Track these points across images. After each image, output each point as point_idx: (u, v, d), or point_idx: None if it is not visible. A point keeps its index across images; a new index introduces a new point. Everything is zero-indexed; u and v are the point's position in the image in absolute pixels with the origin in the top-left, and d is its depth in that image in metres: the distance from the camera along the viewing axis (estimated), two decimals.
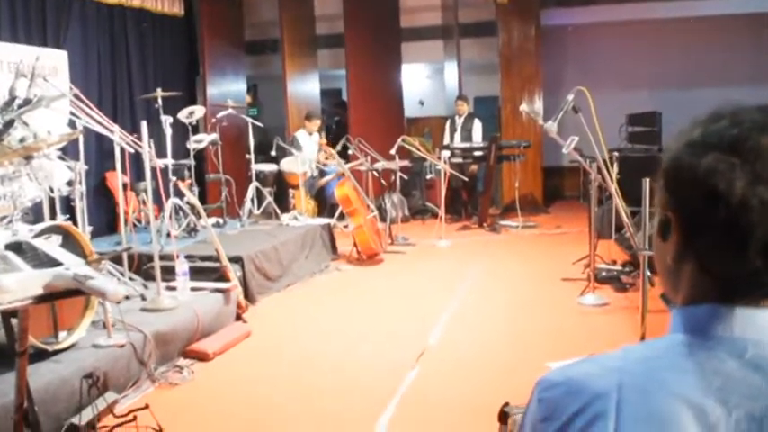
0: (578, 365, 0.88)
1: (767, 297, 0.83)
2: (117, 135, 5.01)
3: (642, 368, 0.83)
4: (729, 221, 0.80)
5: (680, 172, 0.86)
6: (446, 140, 10.34)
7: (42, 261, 2.75)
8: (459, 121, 10.29)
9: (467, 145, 9.93)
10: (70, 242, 4.13)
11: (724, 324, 0.82)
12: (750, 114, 0.86)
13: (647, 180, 3.60)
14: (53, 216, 4.98)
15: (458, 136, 10.22)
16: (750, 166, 0.80)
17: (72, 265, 2.51)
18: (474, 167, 10.01)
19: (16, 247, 2.98)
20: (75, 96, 4.93)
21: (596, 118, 4.90)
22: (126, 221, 5.99)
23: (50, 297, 2.47)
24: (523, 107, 5.99)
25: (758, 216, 0.79)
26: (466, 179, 9.65)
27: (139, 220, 7.61)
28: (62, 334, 3.89)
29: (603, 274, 6.21)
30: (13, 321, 3.02)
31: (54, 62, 7.04)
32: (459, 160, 9.88)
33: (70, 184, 5.15)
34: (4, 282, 2.35)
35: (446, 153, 9.79)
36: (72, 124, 5.20)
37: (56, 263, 2.63)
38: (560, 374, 0.88)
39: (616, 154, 8.17)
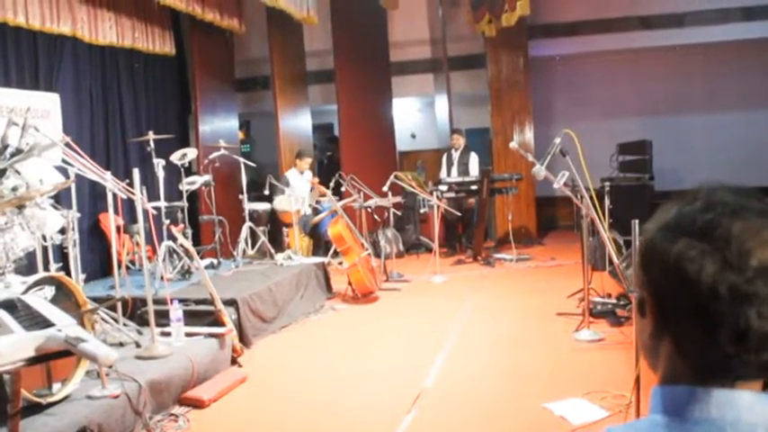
0: None
1: (740, 379, 0.84)
2: (109, 182, 5.02)
3: None
4: (700, 308, 0.82)
5: (653, 256, 0.88)
6: (443, 174, 10.34)
7: (35, 320, 2.74)
8: (456, 155, 10.30)
9: (461, 179, 9.96)
10: (63, 292, 4.13)
11: (701, 406, 0.84)
12: (723, 196, 0.87)
13: (636, 221, 3.60)
14: (46, 264, 4.97)
15: (455, 170, 10.23)
16: (720, 254, 0.81)
17: (64, 326, 2.51)
18: (471, 201, 10.00)
19: (9, 306, 2.98)
20: (67, 144, 4.94)
21: (583, 157, 4.93)
22: (119, 265, 5.99)
23: (42, 359, 2.46)
24: (513, 144, 6.01)
25: (728, 305, 0.80)
26: (459, 214, 9.66)
27: (133, 262, 7.60)
28: (56, 386, 3.86)
29: (598, 308, 6.21)
30: (6, 378, 3.01)
31: (46, 105, 7.08)
32: (454, 194, 9.89)
33: (63, 231, 5.15)
34: None
35: (442, 187, 9.80)
36: (64, 172, 5.21)
37: (48, 323, 2.63)
38: None
39: (608, 183, 8.23)
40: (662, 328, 0.89)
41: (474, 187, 9.85)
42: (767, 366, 0.83)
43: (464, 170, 10.18)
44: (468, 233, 10.30)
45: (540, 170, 5.23)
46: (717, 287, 0.80)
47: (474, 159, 10.22)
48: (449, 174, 10.26)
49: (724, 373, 0.84)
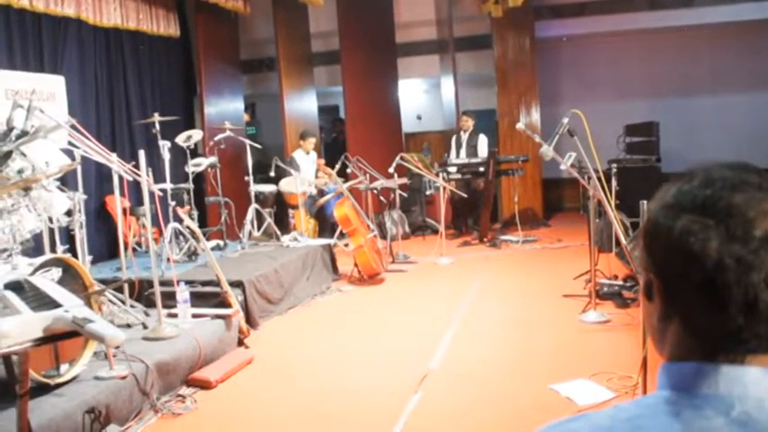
0: (570, 424, 0.89)
1: (751, 353, 0.84)
2: (115, 164, 5.02)
3: (630, 427, 0.84)
4: (707, 282, 0.82)
5: (656, 235, 0.88)
6: (452, 156, 10.31)
7: (43, 301, 2.75)
8: (465, 137, 10.26)
9: (467, 161, 9.92)
10: (70, 274, 4.14)
11: (709, 381, 0.83)
12: (722, 172, 0.87)
13: (644, 202, 3.58)
14: (53, 246, 4.98)
15: (463, 152, 10.20)
16: (723, 226, 0.81)
17: (71, 307, 2.51)
18: (480, 182, 9.96)
19: (17, 287, 2.99)
20: (73, 126, 4.93)
21: (591, 138, 4.91)
22: (126, 247, 6.00)
23: (50, 339, 2.47)
24: (520, 125, 5.99)
25: (734, 275, 0.80)
26: (466, 195, 9.64)
27: (140, 244, 7.61)
28: (64, 367, 3.88)
29: (605, 289, 6.20)
30: (14, 358, 3.03)
31: (51, 88, 7.06)
32: (461, 176, 9.85)
33: (69, 213, 5.16)
34: (4, 327, 2.35)
35: (452, 169, 9.77)
36: (70, 154, 5.21)
37: (56, 304, 2.64)
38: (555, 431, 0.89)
39: (615, 165, 8.19)
40: (670, 309, 0.89)
41: (481, 169, 9.81)
42: None
43: (473, 152, 10.13)
44: (475, 215, 10.28)
45: (547, 150, 5.20)
46: (723, 259, 0.81)
47: (483, 141, 10.18)
48: (457, 155, 10.22)
49: (735, 346, 0.84)
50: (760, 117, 11.53)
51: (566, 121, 5.24)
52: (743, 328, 0.82)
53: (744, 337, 0.82)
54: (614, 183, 7.50)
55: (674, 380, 0.87)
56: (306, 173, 9.24)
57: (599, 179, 5.05)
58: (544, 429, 0.90)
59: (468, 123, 10.26)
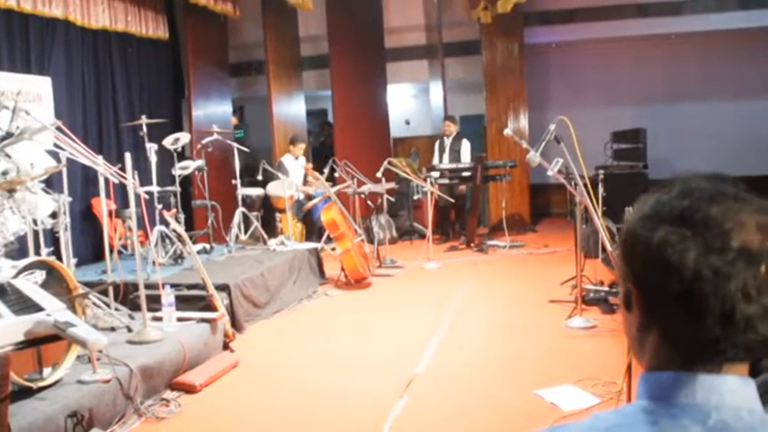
0: None
1: (728, 362, 0.86)
2: (101, 166, 4.99)
3: None
4: (685, 293, 0.83)
5: (635, 245, 0.89)
6: (435, 161, 10.35)
7: (25, 305, 2.73)
8: (448, 142, 10.30)
9: (453, 165, 9.95)
10: (54, 277, 4.11)
11: (687, 391, 0.85)
12: (699, 183, 0.89)
13: (630, 209, 3.59)
14: (37, 249, 4.95)
15: (446, 156, 10.23)
16: (701, 237, 0.83)
17: (54, 311, 2.49)
18: (462, 187, 10.03)
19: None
20: (59, 128, 4.90)
21: (578, 145, 4.92)
22: (111, 250, 5.97)
23: (31, 343, 2.45)
24: (507, 131, 6.01)
25: (712, 286, 0.81)
26: (452, 200, 9.67)
27: (125, 247, 7.58)
28: (46, 370, 3.85)
29: (591, 295, 6.22)
30: None
31: (38, 89, 7.03)
32: (447, 181, 9.90)
33: (54, 216, 5.13)
34: None
35: (434, 174, 9.80)
36: (56, 156, 5.18)
37: (38, 307, 2.62)
38: None
39: (602, 171, 8.21)
40: (649, 319, 0.90)
41: (467, 174, 9.84)
42: (753, 347, 0.84)
43: (455, 157, 10.18)
44: (460, 220, 10.30)
45: (534, 157, 5.21)
46: (700, 271, 0.82)
47: (466, 146, 10.22)
48: (440, 160, 10.25)
49: (712, 356, 0.85)
50: (747, 124, 11.63)
51: (552, 127, 5.26)
52: (720, 339, 0.83)
53: (721, 347, 0.84)
54: (601, 189, 7.52)
55: (653, 389, 0.88)
56: (294, 177, 9.22)
57: (585, 185, 5.07)
58: None
59: (451, 128, 10.30)
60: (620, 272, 0.94)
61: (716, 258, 0.81)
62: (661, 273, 0.84)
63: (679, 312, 0.84)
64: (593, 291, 6.31)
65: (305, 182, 9.60)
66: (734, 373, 0.86)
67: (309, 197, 9.57)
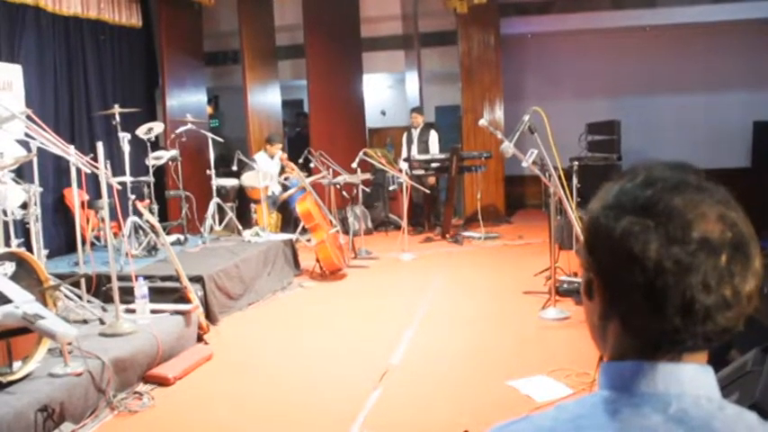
0: (515, 425, 0.91)
1: (688, 351, 0.87)
2: (73, 156, 4.93)
3: (572, 427, 0.86)
4: (646, 283, 0.83)
5: (598, 235, 0.90)
6: (403, 153, 10.40)
7: None
8: (416, 133, 10.34)
9: (427, 157, 9.96)
10: (24, 269, 4.05)
11: (647, 380, 0.86)
12: (662, 172, 0.89)
13: None
14: (7, 240, 4.87)
15: (415, 148, 10.26)
16: (663, 228, 0.83)
17: (23, 303, 2.46)
18: (432, 179, 10.05)
19: None
20: (29, 117, 4.83)
21: (551, 136, 4.94)
22: (84, 241, 5.90)
23: (0, 336, 2.42)
24: (482, 122, 6.01)
25: (673, 277, 0.82)
26: (428, 191, 9.68)
27: (98, 238, 7.50)
28: (17, 364, 3.79)
29: (565, 286, 6.27)
30: None
31: (8, 77, 6.90)
32: (420, 172, 9.91)
33: (25, 206, 5.05)
34: None
35: (405, 165, 9.81)
36: (26, 145, 5.11)
37: (7, 299, 2.58)
38: None
39: (576, 163, 8.25)
40: (610, 308, 0.91)
41: (441, 165, 9.85)
42: (712, 336, 0.85)
43: (424, 148, 10.22)
44: (433, 211, 10.33)
45: (508, 147, 5.23)
46: (662, 261, 0.82)
47: (434, 137, 10.28)
48: (409, 152, 10.28)
49: (672, 346, 0.86)
50: (718, 117, 11.77)
51: (526, 118, 5.27)
52: (680, 329, 0.84)
53: (681, 337, 0.85)
54: (575, 180, 7.56)
55: (614, 379, 0.89)
56: (267, 170, 9.14)
57: (560, 177, 5.09)
58: (492, 430, 0.92)
59: (419, 120, 10.35)
60: (583, 260, 0.94)
61: (677, 250, 0.82)
62: (623, 263, 0.85)
63: (640, 303, 0.85)
64: (567, 282, 6.36)
65: (281, 174, 9.54)
66: (693, 361, 0.87)
67: (285, 188, 9.53)
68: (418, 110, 10.50)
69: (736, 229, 0.84)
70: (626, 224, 0.85)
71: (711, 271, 0.82)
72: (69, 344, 2.46)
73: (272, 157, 9.50)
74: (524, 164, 5.42)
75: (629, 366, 0.88)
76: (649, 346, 0.87)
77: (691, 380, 0.86)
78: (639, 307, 0.85)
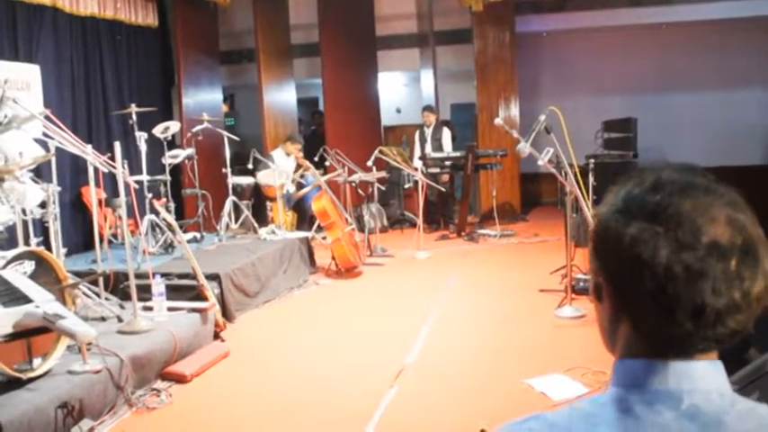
0: (529, 423, 0.92)
1: (699, 352, 0.88)
2: (90, 156, 4.97)
3: (585, 425, 0.87)
4: (657, 289, 0.84)
5: (607, 240, 0.90)
6: (417, 151, 10.41)
7: (14, 296, 2.72)
8: (429, 131, 10.34)
9: (443, 155, 9.95)
10: (44, 267, 4.09)
11: (659, 377, 0.87)
12: (670, 175, 0.89)
13: None
14: (27, 239, 4.92)
15: (428, 146, 10.26)
16: (673, 234, 0.83)
17: (43, 302, 2.49)
18: (446, 177, 10.04)
19: None
20: (47, 117, 4.87)
21: (568, 134, 4.93)
22: (101, 239, 5.95)
23: (20, 335, 2.45)
24: (498, 121, 6.00)
25: (684, 283, 0.83)
26: (443, 189, 9.67)
27: (115, 236, 7.55)
28: (36, 361, 3.82)
29: (581, 284, 6.23)
30: None
31: (26, 77, 6.97)
32: (435, 170, 9.90)
33: (43, 205, 5.10)
34: None
35: (420, 163, 9.81)
36: (44, 145, 5.15)
37: (27, 299, 2.61)
38: (512, 431, 0.92)
39: (592, 160, 8.21)
40: (620, 312, 0.91)
41: (457, 162, 9.83)
42: (722, 339, 0.86)
43: (438, 146, 10.22)
44: (446, 209, 10.31)
45: (524, 147, 5.22)
46: (672, 267, 0.83)
47: (447, 134, 10.28)
48: (422, 150, 10.28)
49: (683, 349, 0.87)
50: (735, 115, 11.67)
51: (542, 117, 5.26)
52: (691, 333, 0.85)
53: (692, 340, 0.86)
54: (591, 178, 7.52)
55: (627, 377, 0.90)
56: (283, 168, 9.16)
57: (576, 175, 5.08)
58: (504, 428, 0.92)
59: (431, 118, 10.35)
60: (591, 265, 0.95)
61: (688, 255, 0.82)
62: (633, 269, 0.85)
63: (651, 307, 0.85)
64: (583, 280, 6.32)
65: (296, 171, 9.55)
66: (705, 359, 0.88)
67: (300, 186, 9.55)
68: (430, 108, 10.50)
69: (745, 232, 0.84)
70: (635, 230, 0.85)
71: (721, 275, 0.82)
72: (89, 343, 2.49)
73: (288, 154, 9.51)
74: (540, 162, 5.41)
75: (641, 364, 0.89)
76: (660, 349, 0.88)
77: (702, 376, 0.87)
78: (650, 311, 0.86)
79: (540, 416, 0.92)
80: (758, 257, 0.84)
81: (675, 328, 0.85)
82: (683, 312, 0.83)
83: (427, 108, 10.49)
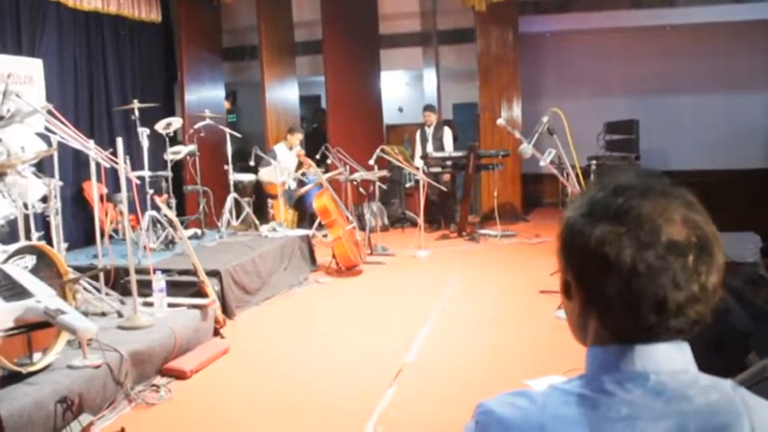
0: (513, 397, 1.00)
1: (663, 341, 0.94)
2: (93, 151, 4.97)
3: (560, 402, 0.95)
4: (622, 285, 0.91)
5: (573, 242, 0.96)
6: (417, 151, 10.41)
7: (15, 291, 2.72)
8: (430, 131, 10.33)
9: (444, 154, 9.95)
10: (45, 262, 4.10)
11: (627, 360, 0.94)
12: (630, 180, 0.97)
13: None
14: (28, 233, 4.92)
15: (430, 146, 10.25)
16: (635, 234, 0.91)
17: (44, 297, 2.49)
18: (447, 177, 10.03)
19: None
20: (50, 112, 4.87)
21: (571, 136, 4.93)
22: (102, 234, 5.95)
23: (21, 330, 2.45)
24: (500, 121, 6.01)
25: (647, 279, 0.90)
26: (445, 189, 9.66)
27: (117, 231, 7.56)
28: (37, 355, 3.83)
29: None
30: None
31: (29, 71, 6.99)
32: (438, 169, 9.89)
33: (45, 200, 5.10)
34: None
35: (421, 163, 9.81)
36: (47, 139, 5.15)
37: (28, 293, 2.61)
38: (498, 403, 1.01)
39: (594, 162, 8.23)
40: (588, 307, 0.98)
41: (458, 162, 9.83)
42: (684, 329, 0.94)
43: (439, 145, 10.22)
44: (447, 208, 10.31)
45: (526, 148, 5.23)
46: (636, 266, 0.90)
47: (448, 134, 10.28)
48: (423, 149, 10.27)
49: (647, 339, 0.94)
50: (738, 117, 11.65)
51: (545, 119, 5.26)
52: (654, 324, 0.92)
53: (656, 331, 0.93)
54: (593, 179, 7.54)
55: (598, 362, 0.97)
56: (285, 165, 9.16)
57: (577, 176, 5.08)
58: (494, 399, 1.01)
59: (431, 118, 10.35)
60: (560, 264, 1.01)
61: (649, 253, 0.90)
62: (600, 268, 0.92)
63: (617, 302, 0.92)
64: None
65: (298, 169, 9.54)
66: (668, 342, 0.95)
67: (302, 183, 9.55)
68: (431, 108, 10.49)
69: (700, 230, 0.92)
70: (600, 232, 0.92)
71: (680, 271, 0.90)
72: (89, 340, 2.49)
73: (290, 148, 9.51)
74: (542, 163, 5.41)
75: (610, 349, 0.96)
76: (626, 340, 0.95)
77: (665, 356, 0.94)
78: (616, 306, 0.93)
79: (526, 393, 1.00)
80: (712, 253, 0.92)
81: (640, 321, 0.92)
82: (646, 306, 0.91)
83: (428, 108, 10.48)
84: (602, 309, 0.95)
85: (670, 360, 0.93)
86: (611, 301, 0.92)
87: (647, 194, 0.93)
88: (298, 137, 9.52)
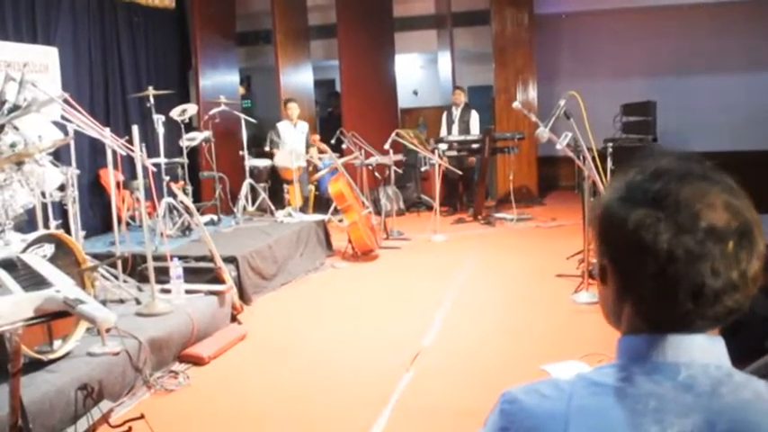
0: (539, 386, 0.98)
1: (698, 331, 0.93)
2: (108, 138, 4.99)
3: (588, 393, 0.94)
4: (659, 272, 0.89)
5: (611, 226, 0.95)
6: (443, 132, 10.29)
7: (35, 280, 2.74)
8: (457, 113, 10.23)
9: (462, 137, 9.90)
10: (63, 250, 4.13)
11: (659, 351, 0.93)
12: (670, 164, 0.95)
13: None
14: (46, 222, 4.96)
15: (455, 128, 10.17)
16: (673, 219, 0.89)
17: (63, 287, 2.50)
18: (472, 159, 9.98)
19: (9, 265, 2.98)
20: (65, 100, 4.89)
21: (587, 119, 4.89)
22: (119, 221, 5.99)
23: (41, 319, 2.46)
24: (516, 104, 5.96)
25: (684, 265, 0.88)
26: (460, 173, 9.62)
27: (133, 218, 7.60)
28: (57, 342, 3.88)
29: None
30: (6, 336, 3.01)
31: (44, 59, 7.00)
32: (455, 153, 9.85)
33: (62, 188, 5.14)
34: None
35: (442, 146, 9.74)
36: (63, 128, 5.18)
37: (47, 283, 2.63)
38: (523, 391, 0.99)
39: (611, 144, 8.14)
40: (624, 293, 0.96)
41: (475, 146, 9.79)
42: (720, 317, 0.91)
43: (465, 128, 10.11)
44: (468, 192, 10.27)
45: (543, 132, 5.19)
46: (673, 251, 0.88)
47: (475, 117, 10.16)
48: (449, 132, 10.19)
49: (683, 327, 0.92)
50: (757, 97, 11.49)
51: (562, 103, 5.22)
52: (690, 312, 0.90)
53: (691, 319, 0.91)
54: (609, 162, 7.48)
55: (629, 351, 0.96)
56: (292, 143, 9.05)
57: (594, 159, 5.05)
58: (520, 387, 1.00)
59: (461, 98, 10.21)
60: (596, 248, 1.00)
61: (687, 239, 0.88)
62: (636, 253, 0.90)
63: (653, 289, 0.91)
64: None
65: (307, 149, 9.44)
66: (702, 334, 0.93)
67: (316, 168, 9.53)
68: (460, 88, 10.34)
69: (741, 216, 0.90)
70: (638, 216, 0.90)
71: (720, 257, 0.88)
72: (108, 330, 2.52)
73: (293, 123, 9.33)
74: (558, 147, 5.38)
75: (643, 339, 0.94)
76: (661, 326, 0.93)
77: (699, 350, 0.92)
78: (652, 293, 0.91)
79: (552, 382, 0.98)
80: (754, 240, 0.90)
81: (676, 308, 0.90)
82: (683, 293, 0.89)
83: (458, 87, 10.35)
84: (637, 295, 0.94)
85: (703, 352, 0.92)
86: (647, 287, 0.91)
87: (687, 179, 0.92)
88: (291, 106, 9.30)
